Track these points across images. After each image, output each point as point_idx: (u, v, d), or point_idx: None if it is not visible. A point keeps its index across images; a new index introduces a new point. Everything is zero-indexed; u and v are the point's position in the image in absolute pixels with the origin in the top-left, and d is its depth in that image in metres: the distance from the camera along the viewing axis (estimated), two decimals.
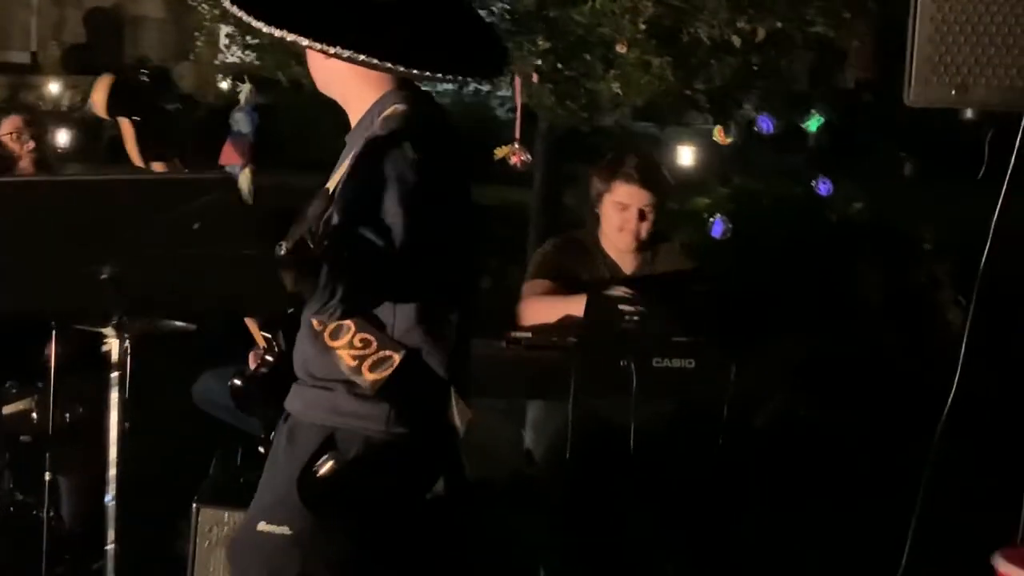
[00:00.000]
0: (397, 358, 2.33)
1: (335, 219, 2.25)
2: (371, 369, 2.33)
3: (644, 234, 3.82)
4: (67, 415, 3.64)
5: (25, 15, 14.27)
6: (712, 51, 5.51)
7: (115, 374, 2.39)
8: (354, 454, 2.36)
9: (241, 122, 7.98)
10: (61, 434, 3.52)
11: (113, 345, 2.36)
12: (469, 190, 2.51)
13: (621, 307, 3.46)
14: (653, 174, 3.89)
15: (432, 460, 2.49)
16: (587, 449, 3.52)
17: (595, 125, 6.19)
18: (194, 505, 3.22)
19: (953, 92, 1.57)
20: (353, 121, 2.48)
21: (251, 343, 3.21)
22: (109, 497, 2.36)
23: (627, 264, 3.87)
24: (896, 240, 6.89)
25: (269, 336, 2.59)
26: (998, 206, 1.80)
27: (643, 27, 5.40)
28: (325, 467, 2.34)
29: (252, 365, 2.78)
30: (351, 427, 2.38)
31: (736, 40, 5.46)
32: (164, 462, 3.78)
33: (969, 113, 1.62)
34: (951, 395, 2.09)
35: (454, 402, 2.41)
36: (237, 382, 2.68)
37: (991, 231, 1.86)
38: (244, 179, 8.35)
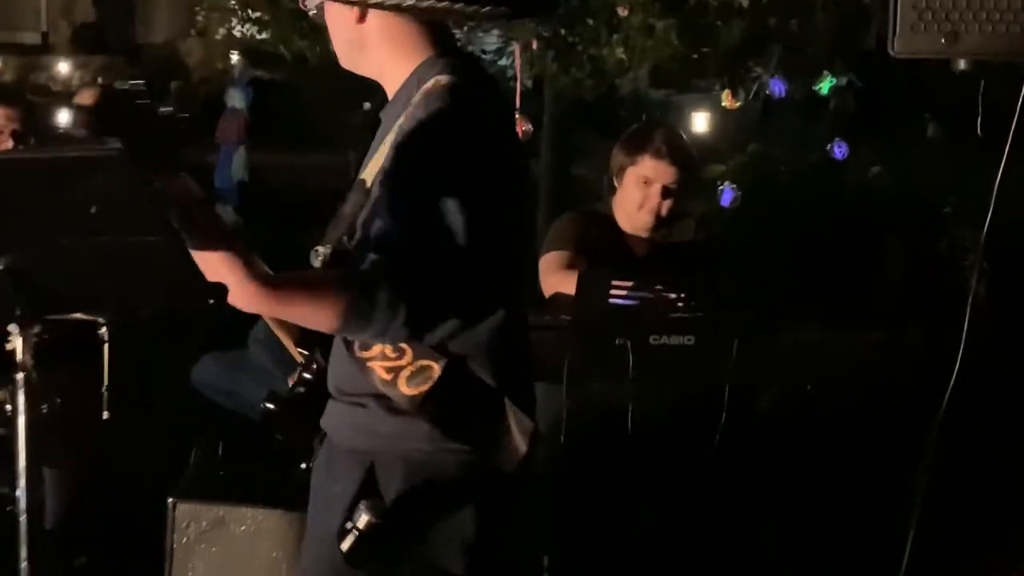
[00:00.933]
0: (437, 368, 2.02)
1: (384, 220, 1.94)
2: (408, 382, 2.03)
3: (665, 212, 3.60)
4: (44, 406, 3.50)
5: None
6: (719, 12, 5.32)
7: (20, 375, 2.18)
8: (396, 492, 2.05)
9: (235, 97, 7.84)
10: (37, 426, 3.37)
11: (17, 344, 2.15)
12: (527, 171, 2.23)
13: (615, 283, 3.27)
14: (682, 149, 3.66)
15: (492, 482, 2.13)
16: (583, 432, 3.35)
17: (603, 93, 6.02)
18: (170, 500, 3.08)
19: (943, 41, 1.39)
20: (390, 95, 2.14)
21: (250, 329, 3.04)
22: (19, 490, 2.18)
23: (641, 241, 3.67)
24: (916, 205, 6.67)
25: (306, 352, 2.22)
26: (1001, 167, 1.61)
27: None
28: (362, 521, 2.02)
29: (290, 383, 2.38)
30: (391, 450, 2.07)
31: (744, 0, 5.26)
32: (143, 453, 3.65)
33: (962, 64, 1.43)
34: (954, 372, 1.91)
35: (511, 414, 2.11)
36: (270, 406, 2.23)
37: (993, 194, 1.68)
38: (239, 155, 8.25)
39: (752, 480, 3.46)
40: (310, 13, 2.15)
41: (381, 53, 2.11)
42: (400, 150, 1.98)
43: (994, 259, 5.86)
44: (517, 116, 5.34)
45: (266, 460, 2.84)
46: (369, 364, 2.05)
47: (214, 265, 1.97)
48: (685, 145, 3.70)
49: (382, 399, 2.07)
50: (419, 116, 1.99)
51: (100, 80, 12.59)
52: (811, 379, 3.38)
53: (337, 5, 2.09)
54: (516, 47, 5.37)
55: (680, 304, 3.29)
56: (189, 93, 10.81)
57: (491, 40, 6.41)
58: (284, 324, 2.20)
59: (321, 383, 2.19)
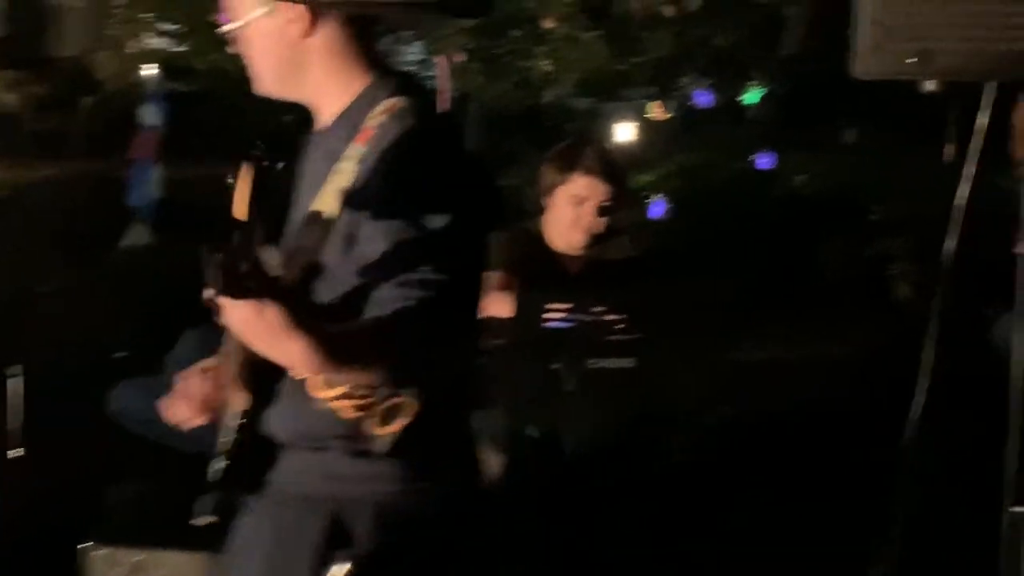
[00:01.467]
0: (413, 405, 1.88)
1: (402, 259, 1.78)
2: (382, 421, 1.87)
3: (599, 230, 3.51)
4: None
5: None
6: (645, 23, 5.26)
7: None
8: (368, 538, 1.90)
9: (149, 113, 7.61)
10: None
11: None
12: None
13: (551, 306, 3.18)
14: (614, 165, 3.57)
15: (468, 517, 2.01)
16: (520, 460, 3.25)
17: (530, 104, 5.94)
18: (83, 546, 2.91)
19: (910, 60, 1.29)
20: (323, 121, 1.99)
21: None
22: None
23: (575, 260, 3.57)
24: (844, 214, 6.66)
25: (249, 393, 1.96)
26: (968, 186, 1.53)
27: (571, 0, 5.16)
28: (340, 572, 1.88)
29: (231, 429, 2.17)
30: (358, 494, 1.92)
31: (669, 10, 5.21)
32: (55, 493, 3.46)
33: (931, 85, 1.34)
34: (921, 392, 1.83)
35: (479, 446, 2.04)
36: (224, 463, 1.93)
37: (961, 214, 1.59)
38: (154, 172, 8.02)
39: (696, 505, 3.38)
40: (225, 32, 1.97)
41: (323, 73, 1.95)
42: (383, 178, 1.83)
43: (924, 264, 5.86)
44: None
45: (189, 500, 2.66)
46: (333, 404, 1.89)
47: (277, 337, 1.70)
48: (616, 161, 3.62)
49: (346, 441, 1.91)
50: (395, 141, 1.84)
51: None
52: (754, 398, 3.31)
53: (274, 22, 1.92)
54: (441, 59, 5.28)
55: (618, 326, 3.20)
56: (102, 108, 10.53)
57: (415, 52, 6.30)
58: (241, 360, 1.96)
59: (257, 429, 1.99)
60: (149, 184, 7.95)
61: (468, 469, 2.03)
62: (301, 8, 1.90)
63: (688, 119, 6.51)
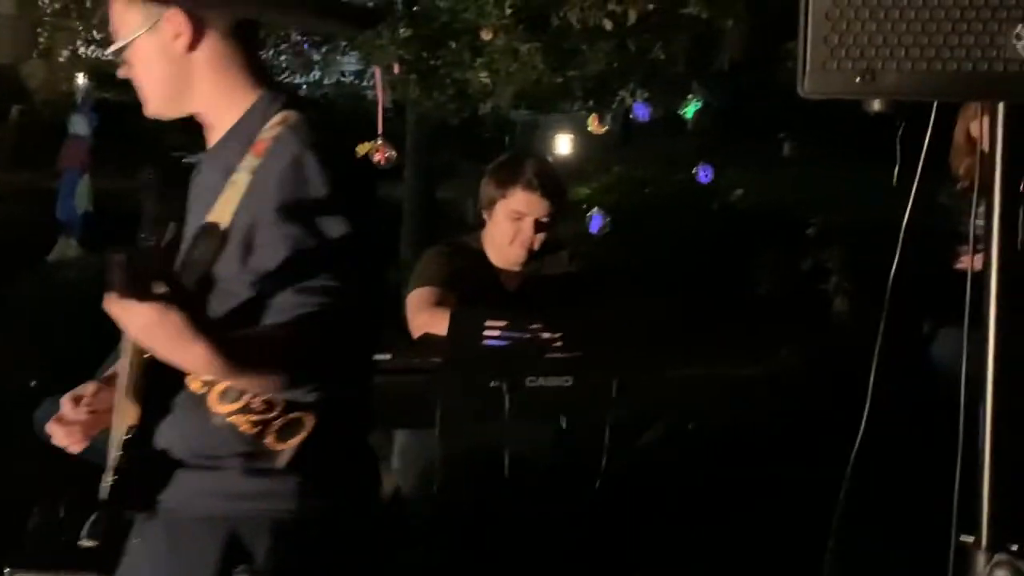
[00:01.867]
0: (309, 420, 1.87)
1: (299, 267, 1.78)
2: (279, 437, 1.86)
3: (538, 246, 3.44)
4: None
5: None
6: (583, 36, 5.22)
7: None
8: (266, 556, 1.87)
9: (78, 123, 7.46)
10: None
11: None
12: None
13: (488, 323, 3.11)
14: (554, 180, 3.50)
15: (366, 536, 2.01)
16: (458, 479, 3.18)
17: (467, 116, 5.89)
18: (6, 570, 2.80)
19: (858, 80, 1.26)
20: (215, 136, 1.99)
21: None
22: None
23: (512, 276, 3.51)
24: (780, 227, 6.70)
25: (139, 411, 1.91)
26: (909, 206, 1.50)
27: (509, 12, 5.11)
28: None
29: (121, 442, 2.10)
30: (255, 513, 1.89)
31: (608, 24, 5.18)
32: None
33: (877, 105, 1.31)
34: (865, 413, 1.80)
35: (377, 463, 2.00)
36: (114, 479, 1.89)
37: (901, 234, 1.57)
38: (83, 184, 7.86)
39: (634, 523, 3.34)
40: (110, 56, 1.98)
41: (211, 87, 1.95)
42: (289, 190, 1.83)
43: (860, 278, 5.89)
44: (379, 142, 5.22)
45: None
46: (231, 419, 1.87)
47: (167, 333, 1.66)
48: (557, 176, 3.56)
49: (242, 458, 1.89)
50: (292, 152, 1.84)
51: None
52: (692, 415, 3.27)
53: (158, 39, 1.92)
54: (376, 70, 5.22)
55: (556, 343, 3.14)
56: (32, 118, 10.34)
57: (351, 63, 6.24)
58: (134, 373, 1.92)
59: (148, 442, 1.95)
60: (77, 196, 7.80)
61: (367, 487, 2.02)
62: (183, 22, 1.90)
63: (626, 132, 6.53)
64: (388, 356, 3.21)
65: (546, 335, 3.16)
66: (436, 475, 3.18)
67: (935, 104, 1.41)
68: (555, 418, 3.22)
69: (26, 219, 7.75)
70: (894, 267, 1.57)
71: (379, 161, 5.10)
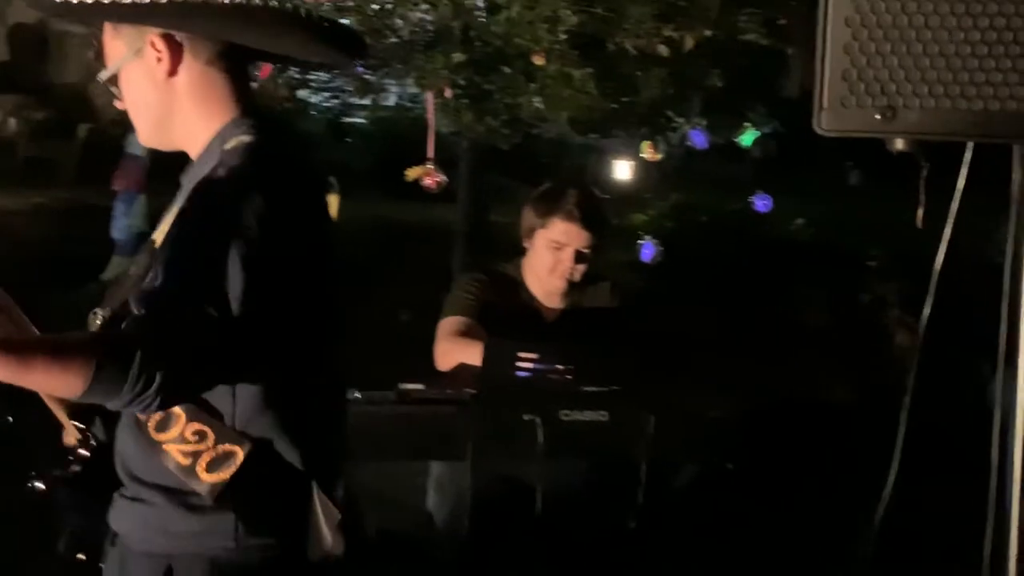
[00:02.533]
0: (241, 453, 1.85)
1: (157, 281, 1.76)
2: (208, 469, 1.85)
3: (578, 277, 3.38)
4: None
5: None
6: (638, 62, 5.15)
7: None
8: None
9: (134, 143, 7.48)
10: None
11: None
12: (328, 238, 2.04)
13: (522, 354, 3.05)
14: (596, 211, 3.44)
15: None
16: (489, 515, 3.11)
17: (520, 142, 5.84)
18: None
19: (878, 117, 1.18)
20: (194, 157, 1.99)
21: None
22: None
23: (552, 306, 3.44)
24: (840, 258, 6.55)
25: (83, 426, 1.99)
26: (944, 241, 1.42)
27: (563, 37, 5.05)
28: None
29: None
30: (189, 551, 1.89)
31: (664, 50, 5.10)
32: None
33: (900, 144, 1.22)
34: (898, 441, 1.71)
35: (318, 503, 1.91)
36: (39, 485, 2.00)
37: (935, 272, 1.48)
38: (138, 204, 7.92)
39: (670, 566, 3.24)
40: (105, 83, 1.99)
41: (190, 113, 1.96)
42: (184, 209, 1.85)
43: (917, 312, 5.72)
44: (430, 167, 5.17)
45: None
46: (165, 447, 1.87)
47: None
48: (599, 206, 3.49)
49: (174, 494, 1.89)
50: (212, 175, 1.86)
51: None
52: (732, 455, 3.17)
53: (144, 64, 1.94)
54: (428, 95, 5.18)
55: (593, 377, 3.07)
56: (98, 137, 10.46)
57: (405, 87, 6.22)
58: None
59: (101, 462, 1.98)
60: (132, 215, 7.86)
61: (302, 529, 1.93)
62: (163, 46, 1.92)
63: (682, 160, 6.43)
64: (421, 386, 3.17)
65: (583, 367, 3.09)
66: (467, 509, 3.12)
67: (971, 145, 1.33)
68: (590, 454, 3.14)
69: (89, 237, 7.82)
70: (928, 303, 1.49)
71: (429, 185, 5.05)
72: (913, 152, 1.22)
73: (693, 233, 6.42)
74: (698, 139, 5.65)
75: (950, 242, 1.55)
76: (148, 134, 2.02)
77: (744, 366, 4.03)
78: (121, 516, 1.96)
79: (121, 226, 7.62)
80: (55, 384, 1.76)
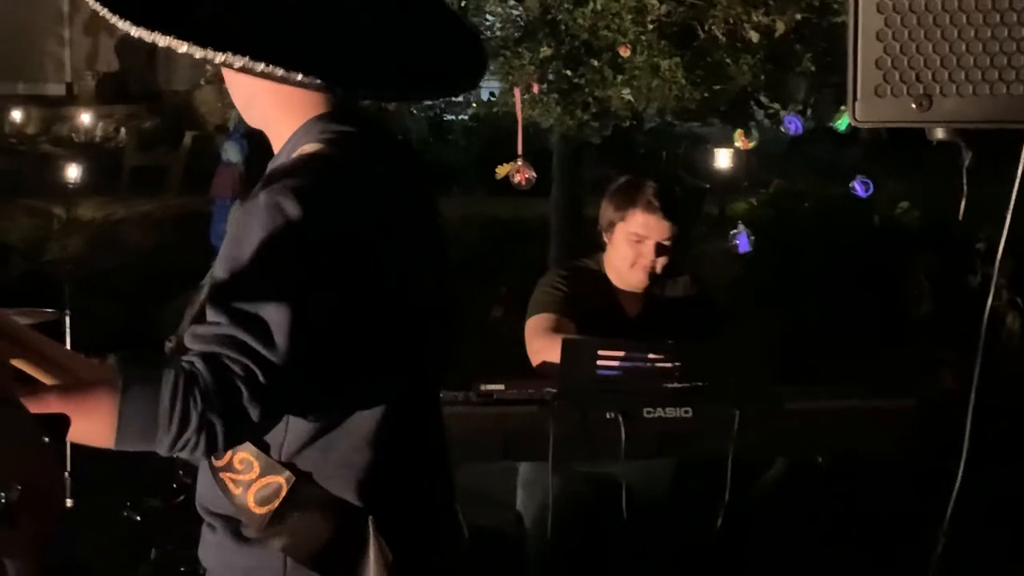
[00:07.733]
0: (285, 486, 1.75)
1: (207, 312, 1.65)
2: (257, 500, 1.77)
3: (659, 270, 3.32)
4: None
5: (58, 47, 14.21)
6: (728, 49, 5.06)
7: None
8: None
9: (230, 151, 7.59)
10: None
11: None
12: (412, 257, 1.83)
13: (602, 351, 3.01)
14: (675, 202, 3.37)
15: None
16: (572, 514, 3.09)
17: (610, 135, 5.78)
18: None
19: (914, 107, 1.12)
20: (275, 151, 1.85)
21: None
22: None
23: (635, 300, 3.39)
24: (947, 241, 6.35)
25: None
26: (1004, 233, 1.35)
27: (651, 27, 4.99)
28: None
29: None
30: None
31: (754, 36, 5.01)
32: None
33: (940, 133, 1.17)
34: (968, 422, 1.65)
35: (372, 542, 1.77)
36: (135, 516, 1.97)
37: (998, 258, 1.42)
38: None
39: (757, 564, 3.17)
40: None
41: (266, 105, 1.83)
42: (235, 228, 1.69)
43: None
44: (519, 163, 5.15)
45: None
46: (220, 475, 1.80)
47: None
48: (678, 197, 3.43)
49: (230, 522, 1.82)
50: (259, 193, 1.69)
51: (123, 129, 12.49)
52: (823, 451, 3.08)
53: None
54: (516, 90, 5.16)
55: (677, 373, 3.01)
56: (203, 144, 10.66)
57: (494, 82, 6.21)
58: None
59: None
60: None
61: (351, 568, 1.79)
62: None
63: (776, 146, 6.31)
64: (502, 387, 3.15)
65: (666, 363, 3.04)
66: (550, 510, 3.09)
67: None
68: (674, 451, 3.09)
69: (192, 244, 7.98)
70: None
71: (519, 182, 5.03)
72: (954, 141, 1.17)
73: (791, 221, 6.29)
74: (793, 125, 5.52)
75: None
76: (248, 118, 1.90)
77: (841, 355, 3.92)
78: (201, 548, 1.90)
79: (219, 232, 7.77)
80: (86, 435, 1.65)
